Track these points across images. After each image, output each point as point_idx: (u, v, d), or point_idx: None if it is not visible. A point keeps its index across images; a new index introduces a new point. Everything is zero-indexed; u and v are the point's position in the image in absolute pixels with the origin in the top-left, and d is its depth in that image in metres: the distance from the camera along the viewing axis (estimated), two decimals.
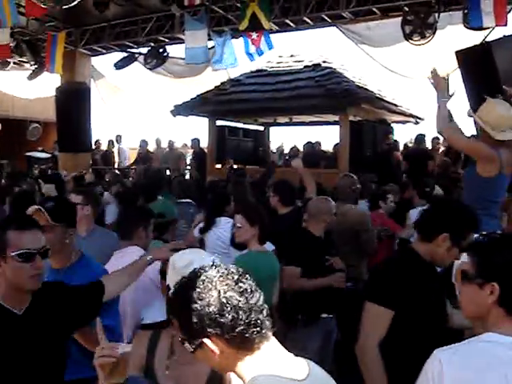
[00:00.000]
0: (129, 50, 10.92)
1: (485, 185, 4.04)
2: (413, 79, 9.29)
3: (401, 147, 11.64)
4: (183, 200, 6.46)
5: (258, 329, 1.48)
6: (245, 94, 10.81)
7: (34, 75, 11.56)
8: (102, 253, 3.71)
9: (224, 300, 1.47)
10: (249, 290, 1.51)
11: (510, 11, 7.02)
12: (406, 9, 7.91)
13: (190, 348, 1.53)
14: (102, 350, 1.81)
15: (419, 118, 12.24)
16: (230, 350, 1.49)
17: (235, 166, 10.44)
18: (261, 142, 12.91)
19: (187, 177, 11.19)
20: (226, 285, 1.50)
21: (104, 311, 2.51)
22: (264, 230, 3.91)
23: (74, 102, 10.90)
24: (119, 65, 10.91)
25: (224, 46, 9.00)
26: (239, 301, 1.47)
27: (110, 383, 1.81)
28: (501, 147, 3.98)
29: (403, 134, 13.12)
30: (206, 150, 11.93)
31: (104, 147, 14.54)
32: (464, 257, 1.89)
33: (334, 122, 11.23)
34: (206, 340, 1.48)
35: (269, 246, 4.31)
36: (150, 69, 10.44)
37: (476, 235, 2.18)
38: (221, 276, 1.52)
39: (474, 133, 4.84)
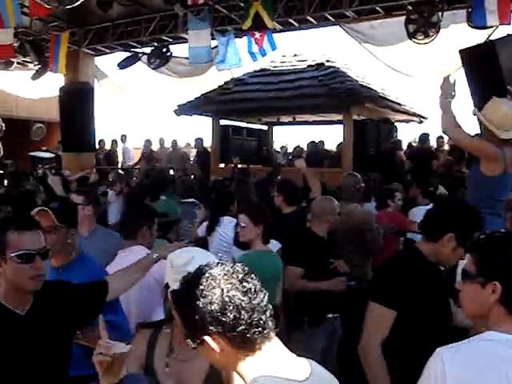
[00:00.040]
0: (132, 49, 10.90)
1: (489, 184, 4.04)
2: (416, 78, 9.25)
3: (404, 146, 11.62)
4: (187, 200, 6.47)
5: (260, 329, 1.47)
6: (248, 93, 10.80)
7: (37, 75, 11.58)
8: (105, 252, 3.73)
9: (227, 299, 1.46)
10: (253, 290, 1.50)
11: None
12: (410, 8, 7.88)
13: (192, 344, 1.53)
14: (98, 348, 1.83)
15: (423, 117, 12.21)
16: (230, 349, 1.48)
17: (239, 166, 10.44)
18: (264, 141, 12.90)
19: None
20: (230, 283, 1.49)
21: (105, 307, 2.52)
22: (268, 230, 3.91)
23: (77, 101, 10.90)
24: (122, 64, 10.91)
25: (228, 45, 9.00)
26: (242, 300, 1.47)
27: (106, 381, 1.83)
28: (505, 146, 3.98)
29: (407, 133, 13.12)
30: (209, 150, 11.94)
31: (108, 147, 14.56)
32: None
33: (338, 121, 11.22)
34: (206, 337, 1.48)
35: (275, 245, 4.31)
36: (154, 68, 10.43)
37: (477, 234, 2.17)
38: (225, 274, 1.51)
39: (478, 131, 4.83)
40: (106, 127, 15.74)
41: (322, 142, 12.62)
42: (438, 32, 7.54)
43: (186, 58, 9.78)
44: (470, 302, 1.86)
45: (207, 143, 12.20)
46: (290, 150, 14.44)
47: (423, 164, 9.07)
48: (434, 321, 2.58)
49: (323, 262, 4.18)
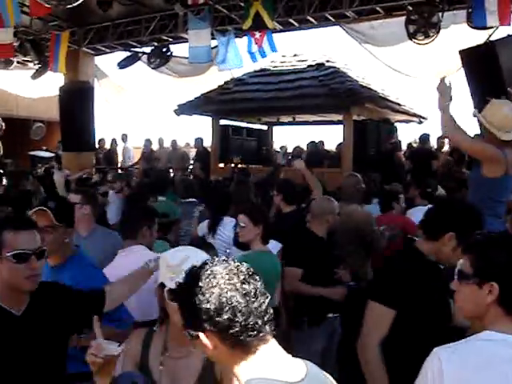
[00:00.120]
0: (132, 49, 10.91)
1: (490, 185, 4.03)
2: (416, 78, 9.26)
3: (404, 147, 11.62)
4: (187, 200, 6.46)
5: (255, 333, 1.45)
6: (248, 93, 10.80)
7: (37, 74, 11.57)
8: (105, 252, 3.72)
9: (224, 299, 1.44)
10: (252, 293, 1.47)
11: None
12: (410, 8, 7.89)
13: (189, 337, 1.54)
14: (90, 348, 1.84)
15: (423, 118, 12.22)
16: (223, 348, 1.48)
17: (239, 166, 10.44)
18: (264, 141, 12.90)
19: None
20: (230, 284, 1.47)
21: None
22: (267, 230, 3.91)
23: (77, 101, 10.90)
24: (122, 64, 10.91)
25: (228, 45, 9.00)
26: (239, 303, 1.44)
27: (99, 380, 1.86)
28: (506, 147, 3.97)
29: (407, 134, 13.13)
30: (209, 150, 11.94)
31: (108, 146, 14.55)
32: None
33: (338, 122, 11.22)
34: (200, 334, 1.48)
35: (276, 245, 4.30)
36: (154, 68, 10.43)
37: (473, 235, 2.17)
38: (227, 274, 1.49)
39: (478, 132, 4.82)
40: (105, 127, 15.75)
41: (321, 142, 12.61)
42: (438, 32, 7.54)
43: (186, 58, 9.78)
44: (467, 302, 1.86)
45: (207, 143, 12.19)
46: (289, 150, 14.42)
47: (423, 164, 9.07)
48: (434, 320, 2.58)
49: (323, 263, 4.17)
